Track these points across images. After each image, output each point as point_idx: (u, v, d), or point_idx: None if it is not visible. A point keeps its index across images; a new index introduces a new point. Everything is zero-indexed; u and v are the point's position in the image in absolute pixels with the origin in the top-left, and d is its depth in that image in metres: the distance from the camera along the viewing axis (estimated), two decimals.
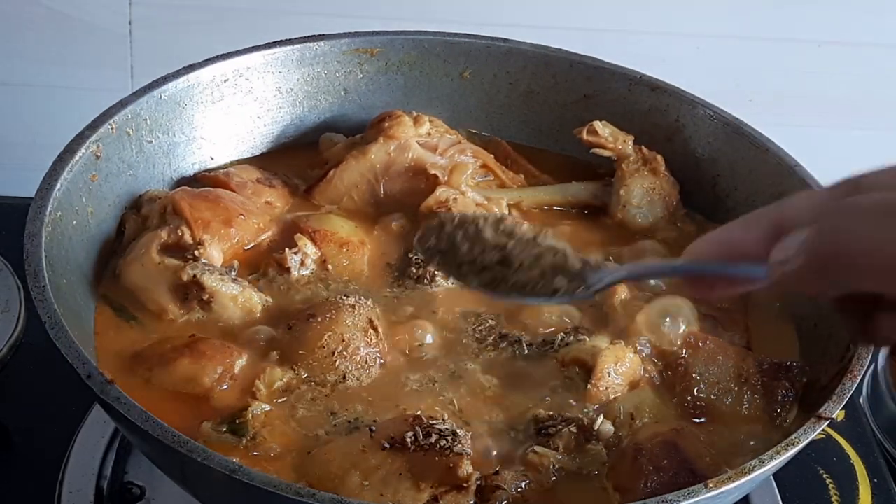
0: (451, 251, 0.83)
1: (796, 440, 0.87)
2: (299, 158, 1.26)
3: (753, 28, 1.61)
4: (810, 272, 0.57)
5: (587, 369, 0.99)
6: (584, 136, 1.22)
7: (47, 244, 0.96)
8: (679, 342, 1.03)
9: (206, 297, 1.02)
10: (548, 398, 0.99)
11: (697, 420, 0.99)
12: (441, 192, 1.16)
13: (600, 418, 0.96)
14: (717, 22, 1.60)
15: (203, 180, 1.19)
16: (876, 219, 0.54)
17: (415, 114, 1.22)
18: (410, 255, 1.12)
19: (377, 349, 1.00)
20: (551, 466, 0.92)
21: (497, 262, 0.80)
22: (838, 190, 0.61)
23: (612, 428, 0.95)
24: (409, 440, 0.88)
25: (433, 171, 1.18)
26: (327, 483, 0.86)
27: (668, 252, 1.16)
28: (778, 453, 0.86)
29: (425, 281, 1.09)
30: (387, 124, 1.19)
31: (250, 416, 0.92)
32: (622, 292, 1.09)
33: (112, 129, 1.10)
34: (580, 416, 0.96)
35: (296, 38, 1.25)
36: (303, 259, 1.09)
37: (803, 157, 1.18)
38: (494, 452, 0.93)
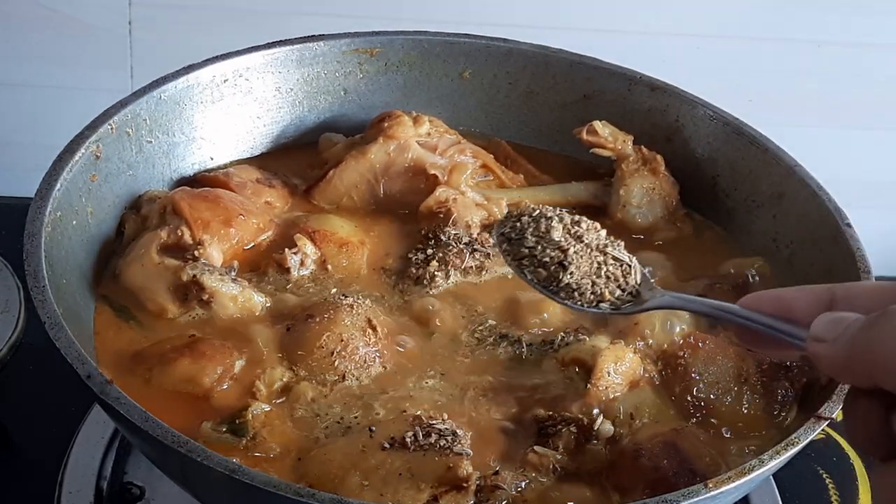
0: (518, 242, 0.84)
1: (796, 440, 0.87)
2: (299, 158, 1.26)
3: (753, 28, 1.61)
4: (842, 363, 0.58)
5: (587, 369, 0.99)
6: (584, 136, 1.22)
7: (47, 244, 0.96)
8: (678, 341, 1.03)
9: (205, 297, 1.02)
10: (547, 398, 0.98)
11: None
12: (441, 193, 1.16)
13: (600, 418, 0.95)
14: (717, 22, 1.60)
15: (203, 180, 1.19)
16: None
17: (414, 114, 1.22)
18: (410, 256, 1.12)
19: (376, 349, 1.00)
20: (551, 466, 0.92)
21: (556, 263, 0.81)
22: None
23: (612, 428, 0.95)
24: (409, 440, 0.88)
25: (433, 172, 1.18)
26: (327, 483, 0.86)
27: (672, 264, 1.16)
28: (778, 453, 0.86)
29: (424, 282, 1.09)
30: (386, 124, 1.19)
31: (250, 416, 0.92)
32: None
33: (112, 129, 1.10)
34: (580, 416, 0.96)
35: (295, 38, 1.25)
36: (302, 259, 1.09)
37: (803, 157, 1.18)
38: (494, 452, 0.93)
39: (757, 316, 0.67)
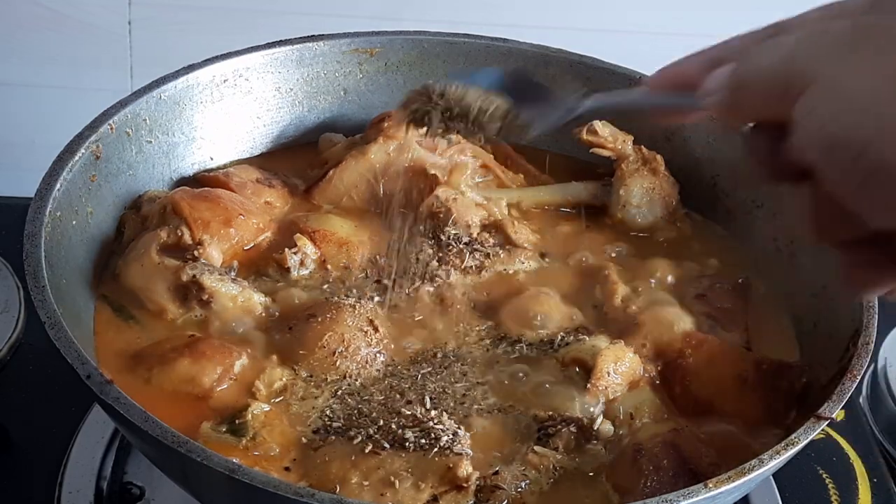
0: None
1: (796, 440, 0.87)
2: (299, 158, 1.26)
3: (753, 28, 1.61)
4: (729, 105, 0.66)
5: (587, 369, 0.99)
6: (584, 136, 1.22)
7: (47, 244, 0.96)
8: (679, 341, 1.03)
9: (205, 297, 1.02)
10: (547, 398, 0.98)
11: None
12: (441, 192, 1.16)
13: (600, 418, 0.96)
14: (716, 22, 1.60)
15: (203, 180, 1.19)
16: (769, 50, 0.64)
17: None
18: (410, 256, 1.12)
19: (377, 349, 1.00)
20: (551, 466, 0.92)
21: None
22: (766, 31, 0.70)
23: (612, 428, 0.95)
24: (409, 440, 0.88)
25: (433, 171, 1.18)
26: (327, 483, 0.86)
27: (673, 264, 1.16)
28: (777, 453, 0.86)
29: (425, 281, 1.09)
30: (386, 124, 1.19)
31: (250, 416, 0.92)
32: (622, 291, 1.09)
33: (111, 129, 1.10)
34: (580, 416, 0.96)
35: (295, 38, 1.25)
36: (302, 259, 1.09)
37: None
38: (494, 452, 0.93)
39: (659, 98, 0.76)
